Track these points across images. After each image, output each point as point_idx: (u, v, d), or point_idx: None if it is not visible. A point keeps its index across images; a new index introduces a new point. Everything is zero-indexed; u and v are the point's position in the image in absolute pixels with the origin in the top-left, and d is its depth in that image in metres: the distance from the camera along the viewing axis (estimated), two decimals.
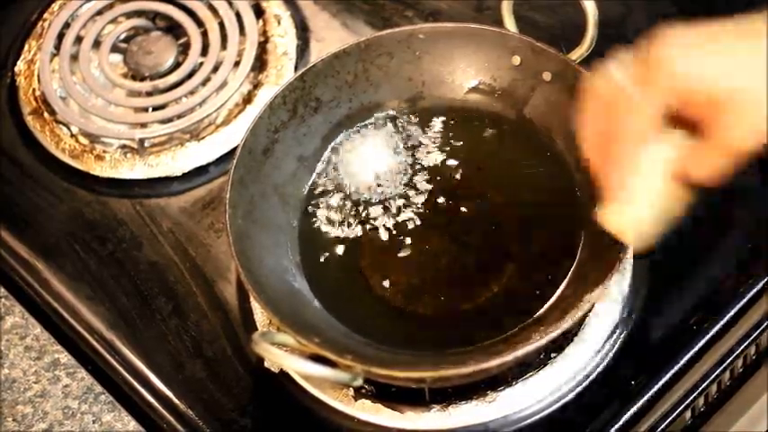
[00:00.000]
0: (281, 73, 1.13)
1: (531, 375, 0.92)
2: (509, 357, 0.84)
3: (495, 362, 0.85)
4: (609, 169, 0.77)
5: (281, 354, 0.84)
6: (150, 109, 1.12)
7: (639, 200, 0.78)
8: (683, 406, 0.94)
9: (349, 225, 0.99)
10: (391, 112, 1.04)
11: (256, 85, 1.13)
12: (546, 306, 0.92)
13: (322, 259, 0.97)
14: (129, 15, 1.19)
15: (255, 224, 0.96)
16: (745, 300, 0.95)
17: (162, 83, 1.14)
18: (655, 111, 0.74)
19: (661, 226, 0.79)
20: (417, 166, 1.01)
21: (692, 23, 0.75)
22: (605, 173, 0.77)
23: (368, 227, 0.99)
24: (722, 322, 0.94)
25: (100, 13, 1.19)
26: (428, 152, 1.02)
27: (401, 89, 1.04)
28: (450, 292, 0.95)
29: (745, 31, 0.74)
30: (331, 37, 1.16)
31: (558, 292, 0.92)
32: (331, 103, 1.03)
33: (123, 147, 1.11)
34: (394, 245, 0.97)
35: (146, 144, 1.10)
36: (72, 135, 1.12)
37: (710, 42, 0.74)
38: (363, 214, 0.99)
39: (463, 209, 0.99)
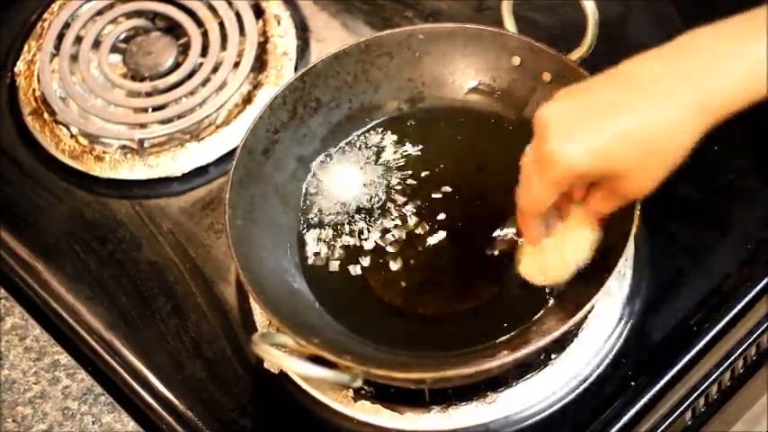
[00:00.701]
0: (281, 73, 1.13)
1: (531, 376, 0.92)
2: (509, 359, 0.84)
3: (495, 363, 0.85)
4: (525, 226, 0.88)
5: (281, 355, 0.84)
6: (150, 109, 1.12)
7: (546, 250, 0.89)
8: (683, 406, 0.94)
9: (349, 226, 0.99)
10: (391, 113, 1.04)
11: (256, 86, 1.13)
12: (546, 307, 0.91)
13: (322, 260, 0.97)
14: (128, 16, 1.19)
15: (255, 225, 0.96)
16: (745, 300, 0.95)
17: (162, 83, 1.14)
18: (548, 193, 0.83)
19: (569, 268, 0.90)
20: (417, 167, 1.01)
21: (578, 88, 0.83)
22: (521, 227, 0.89)
23: (368, 228, 0.98)
24: (723, 323, 0.94)
25: (100, 13, 1.19)
26: (428, 153, 1.02)
27: (401, 90, 1.04)
28: (450, 293, 0.95)
29: (623, 82, 0.81)
30: (331, 37, 1.16)
31: (559, 293, 0.92)
32: (331, 104, 1.03)
33: (123, 147, 1.11)
34: (394, 246, 0.97)
35: (145, 144, 1.10)
36: (72, 136, 1.12)
37: (588, 113, 0.80)
38: (363, 216, 0.99)
39: (463, 209, 0.98)
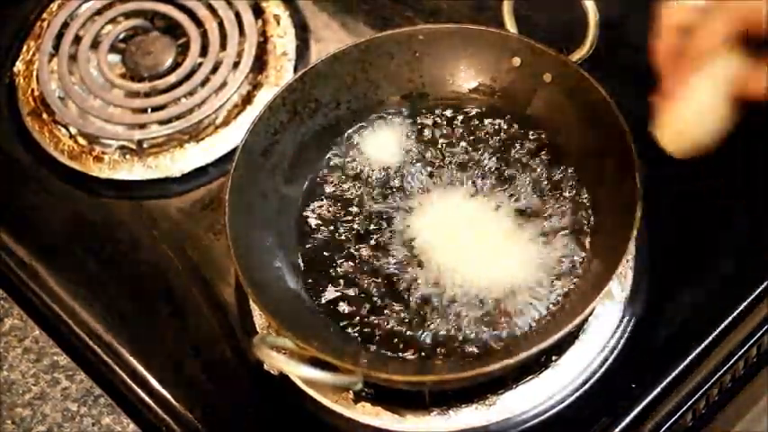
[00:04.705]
0: (281, 74, 1.13)
1: (531, 378, 0.92)
2: (510, 361, 0.84)
3: (495, 366, 0.84)
4: (674, 76, 0.78)
5: (282, 358, 0.83)
6: (149, 110, 1.12)
7: (693, 104, 0.77)
8: (684, 408, 0.94)
9: (350, 227, 0.98)
10: (391, 114, 1.04)
11: (256, 86, 1.13)
12: (547, 309, 0.91)
13: (322, 262, 0.97)
14: (127, 15, 1.19)
15: (255, 226, 0.96)
16: (746, 302, 0.95)
17: (161, 83, 1.13)
18: (724, 30, 0.75)
19: (706, 136, 0.79)
20: (417, 168, 1.01)
21: None
22: (670, 79, 0.78)
23: (368, 228, 0.98)
24: (723, 324, 0.94)
25: (99, 13, 1.19)
26: (428, 154, 1.02)
27: (401, 90, 1.04)
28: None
29: None
30: (331, 37, 1.16)
31: (559, 293, 0.92)
32: (330, 104, 1.02)
33: (122, 148, 1.10)
34: (395, 245, 0.97)
35: (144, 145, 1.10)
36: (71, 136, 1.12)
37: None
38: (364, 216, 0.99)
39: (465, 211, 0.98)
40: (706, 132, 0.78)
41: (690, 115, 0.77)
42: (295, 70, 1.13)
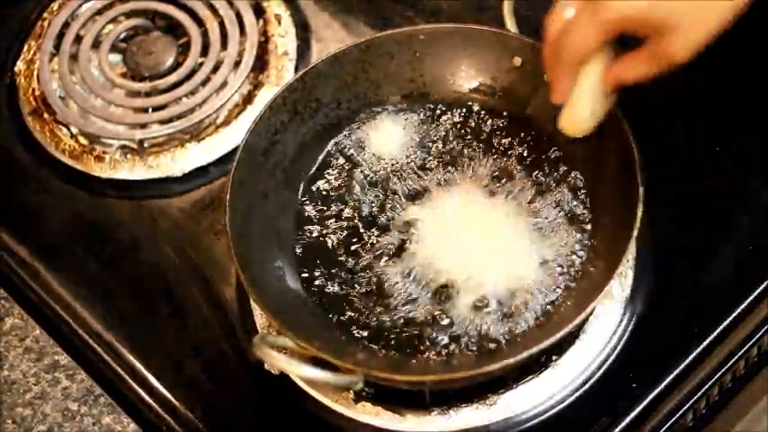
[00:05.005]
0: (282, 73, 1.13)
1: (531, 378, 0.92)
2: (510, 361, 0.84)
3: (496, 365, 0.84)
4: (558, 77, 0.90)
5: (282, 358, 0.83)
6: (150, 109, 1.12)
7: (578, 96, 0.90)
8: (684, 408, 0.94)
9: (351, 226, 0.98)
10: (391, 113, 1.04)
11: (257, 86, 1.13)
12: (547, 309, 0.91)
13: (323, 261, 0.97)
14: (128, 15, 1.19)
15: (255, 226, 0.96)
16: (746, 302, 0.95)
17: (162, 83, 1.13)
18: (597, 36, 0.85)
19: (593, 118, 0.92)
20: (418, 167, 1.01)
21: None
22: (553, 80, 0.90)
23: (369, 227, 0.98)
24: (724, 324, 0.94)
25: (99, 12, 1.19)
26: (429, 154, 1.02)
27: (401, 90, 1.04)
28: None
29: None
30: (331, 37, 1.16)
31: (560, 293, 0.92)
32: (331, 104, 1.02)
33: (123, 147, 1.10)
34: (396, 246, 0.97)
35: (145, 145, 1.10)
36: (72, 135, 1.12)
37: None
38: (365, 215, 0.99)
39: (465, 210, 0.98)
40: (593, 116, 0.91)
41: (577, 105, 0.90)
42: (296, 70, 1.13)
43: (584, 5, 0.84)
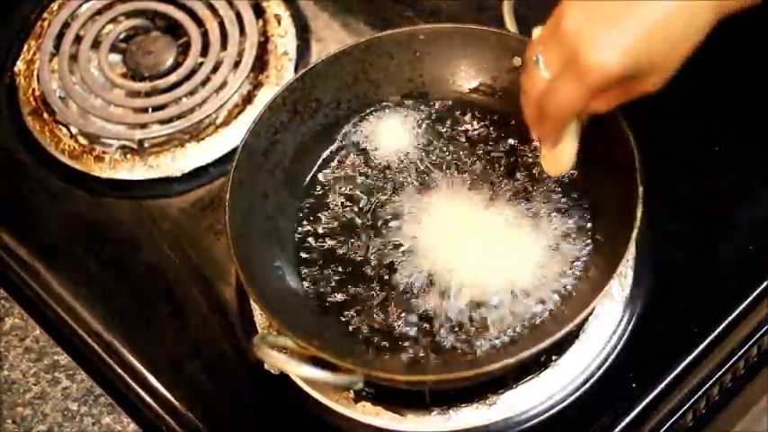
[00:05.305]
0: (282, 73, 1.13)
1: (531, 378, 0.92)
2: (510, 361, 0.84)
3: (496, 365, 0.84)
4: (548, 134, 0.90)
5: (282, 358, 0.83)
6: (150, 109, 1.12)
7: (563, 146, 0.92)
8: (684, 408, 0.94)
9: (351, 226, 0.98)
10: (391, 114, 1.04)
11: (256, 86, 1.13)
12: (547, 309, 0.91)
13: (322, 261, 0.97)
14: (128, 15, 1.19)
15: (255, 226, 0.96)
16: (746, 302, 0.95)
17: (161, 83, 1.13)
18: (584, 97, 0.84)
19: (570, 161, 0.93)
20: (418, 168, 1.01)
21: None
22: (541, 135, 0.91)
23: (369, 228, 0.98)
24: (724, 324, 0.94)
25: (99, 12, 1.19)
26: (429, 154, 1.02)
27: (401, 90, 1.04)
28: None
29: None
30: (331, 37, 1.16)
31: (560, 293, 0.92)
32: (331, 104, 1.02)
33: (123, 147, 1.10)
34: (396, 245, 0.97)
35: (145, 145, 1.10)
36: (71, 135, 1.12)
37: (609, 17, 0.82)
38: (365, 215, 0.99)
39: (465, 210, 0.98)
40: (574, 152, 0.92)
41: (562, 149, 0.91)
42: (296, 70, 1.13)
43: (564, 67, 0.83)
